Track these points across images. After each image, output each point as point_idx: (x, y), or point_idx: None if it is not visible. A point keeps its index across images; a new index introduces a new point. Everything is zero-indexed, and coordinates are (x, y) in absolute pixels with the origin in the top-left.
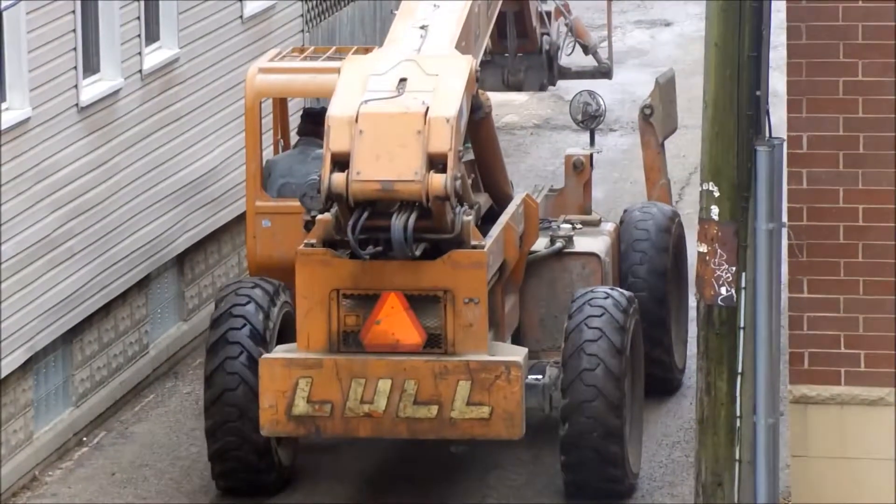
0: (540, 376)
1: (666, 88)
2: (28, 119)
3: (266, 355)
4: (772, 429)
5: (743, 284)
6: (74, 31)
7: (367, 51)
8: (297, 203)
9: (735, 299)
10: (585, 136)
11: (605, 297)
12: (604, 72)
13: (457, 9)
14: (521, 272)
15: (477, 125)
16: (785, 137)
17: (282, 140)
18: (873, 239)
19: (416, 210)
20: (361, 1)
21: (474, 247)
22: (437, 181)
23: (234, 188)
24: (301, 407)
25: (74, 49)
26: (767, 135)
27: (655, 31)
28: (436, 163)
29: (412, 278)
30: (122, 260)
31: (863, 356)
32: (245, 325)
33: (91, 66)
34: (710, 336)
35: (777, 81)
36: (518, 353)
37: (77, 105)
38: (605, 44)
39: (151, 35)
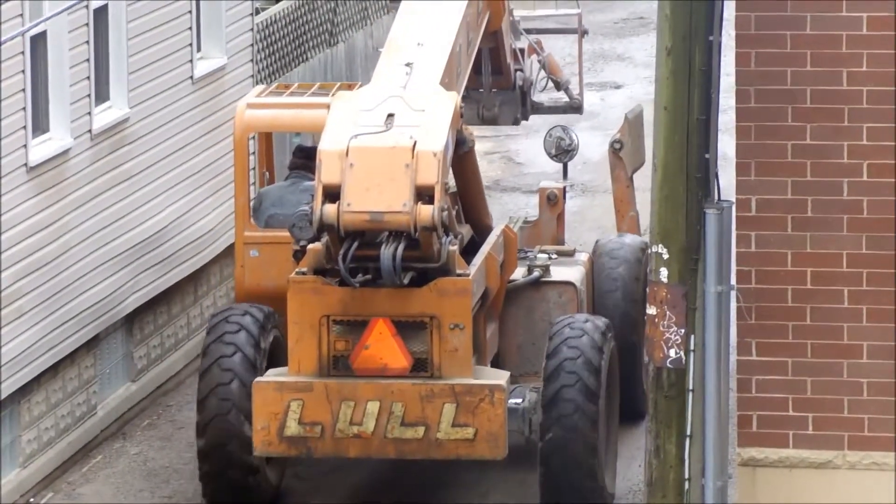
0: (520, 400)
1: (634, 124)
2: None
3: (259, 379)
4: (721, 491)
5: (692, 347)
6: (24, 90)
7: (350, 86)
8: (285, 233)
9: (684, 362)
10: (534, 199)
11: (585, 322)
12: (575, 107)
13: (440, 47)
14: (500, 300)
15: (461, 158)
16: (734, 200)
17: (267, 172)
18: (821, 302)
19: (405, 240)
20: (312, 62)
21: (459, 275)
22: (425, 212)
23: (184, 248)
24: (293, 428)
25: (24, 108)
26: (716, 198)
27: (606, 93)
28: (423, 194)
29: (400, 305)
30: (71, 320)
31: (811, 419)
32: (236, 352)
33: (40, 125)
34: (660, 398)
35: (726, 145)
36: (501, 377)
37: (26, 165)
38: (577, 80)
39: (101, 95)
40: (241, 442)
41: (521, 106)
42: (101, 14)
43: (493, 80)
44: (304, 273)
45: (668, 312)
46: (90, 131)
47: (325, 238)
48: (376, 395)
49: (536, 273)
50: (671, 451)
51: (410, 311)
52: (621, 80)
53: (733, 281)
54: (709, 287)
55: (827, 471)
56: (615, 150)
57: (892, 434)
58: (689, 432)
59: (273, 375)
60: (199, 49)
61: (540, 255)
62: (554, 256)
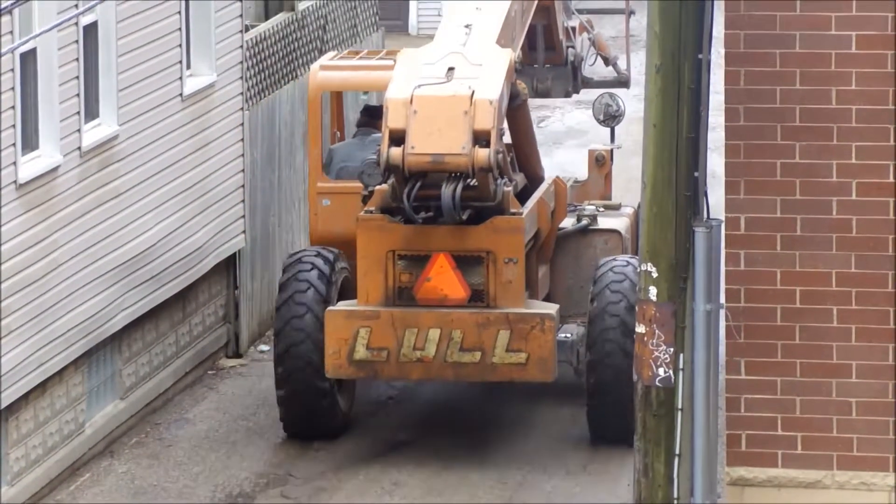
0: (569, 334)
1: None
2: None
3: (331, 308)
4: None
5: (681, 365)
6: (13, 107)
7: None
8: (354, 184)
9: (673, 380)
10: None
11: (626, 265)
12: (622, 81)
13: (497, 11)
14: (551, 245)
15: (514, 111)
16: (723, 218)
17: (337, 131)
18: (810, 321)
19: (463, 180)
20: (301, 80)
21: (513, 214)
22: (482, 154)
23: (173, 265)
24: (361, 353)
25: (13, 125)
26: (705, 216)
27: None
28: (480, 139)
29: (459, 241)
30: (60, 337)
31: (800, 438)
32: (309, 287)
33: (30, 142)
34: (648, 417)
35: (715, 163)
36: (551, 308)
37: (16, 182)
38: (624, 56)
39: (91, 112)
40: (313, 368)
41: (572, 80)
42: (90, 31)
43: (546, 56)
44: (371, 212)
45: (656, 331)
46: (79, 148)
47: (390, 180)
48: (437, 323)
49: (585, 221)
50: (660, 469)
51: (468, 247)
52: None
53: (722, 299)
54: (698, 305)
55: (816, 490)
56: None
57: (881, 454)
58: (677, 451)
59: (343, 305)
60: (188, 66)
61: (588, 207)
62: (601, 209)
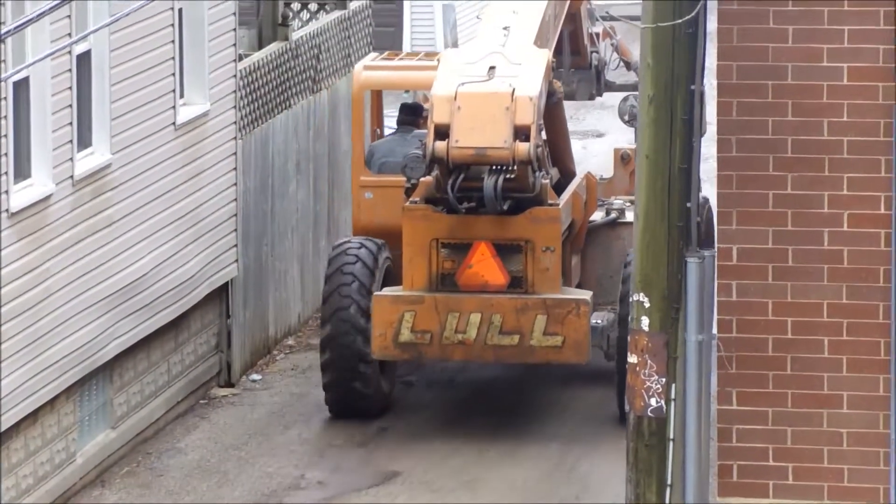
0: (600, 320)
1: None
2: None
3: (377, 293)
4: None
5: (673, 396)
6: (6, 136)
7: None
8: (395, 178)
9: (665, 410)
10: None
11: None
12: None
13: (533, 15)
14: (583, 235)
15: (550, 109)
16: (715, 249)
17: (378, 129)
18: (802, 352)
19: (504, 172)
20: (295, 109)
21: (551, 205)
22: (522, 148)
23: (165, 294)
24: (406, 335)
25: (5, 154)
26: (698, 246)
27: (588, 141)
28: (520, 133)
29: (499, 230)
30: (52, 366)
31: (791, 469)
32: (353, 280)
33: (22, 171)
34: (640, 447)
35: (708, 193)
36: (586, 294)
37: (8, 210)
38: None
39: (84, 141)
40: (358, 356)
41: (595, 83)
42: (83, 60)
43: (572, 61)
44: (416, 203)
45: (649, 361)
46: (72, 177)
47: (434, 172)
48: (478, 308)
49: (613, 215)
50: (651, 500)
51: (508, 235)
52: (604, 129)
53: (714, 330)
54: (690, 336)
55: None
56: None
57: (872, 485)
58: (669, 481)
59: (389, 291)
60: (181, 95)
61: (616, 201)
62: (628, 204)
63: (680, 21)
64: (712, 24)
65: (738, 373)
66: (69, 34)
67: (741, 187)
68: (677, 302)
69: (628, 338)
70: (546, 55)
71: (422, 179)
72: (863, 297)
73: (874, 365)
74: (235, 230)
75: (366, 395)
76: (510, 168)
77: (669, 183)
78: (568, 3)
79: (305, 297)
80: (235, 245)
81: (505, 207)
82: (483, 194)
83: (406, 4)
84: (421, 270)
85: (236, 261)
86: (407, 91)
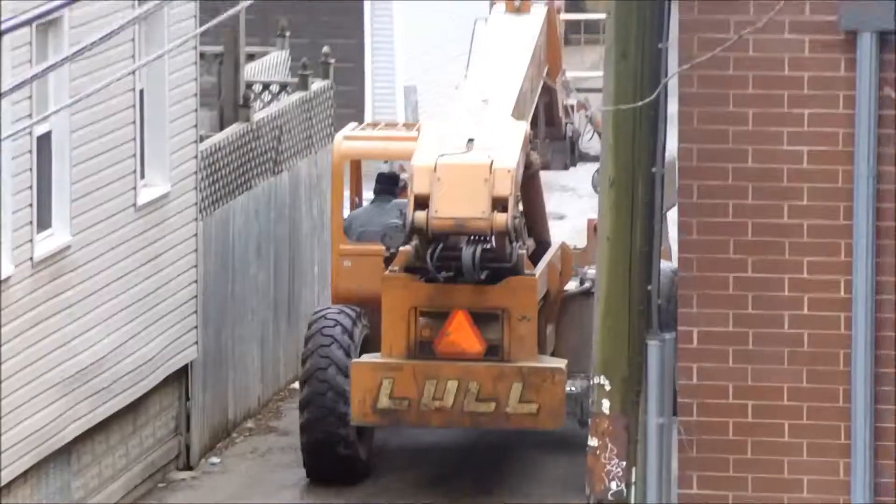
0: (574, 388)
1: (667, 169)
2: None
3: (356, 360)
4: None
5: (633, 479)
6: None
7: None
8: (373, 246)
9: (625, 494)
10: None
11: None
12: None
13: (511, 86)
14: (557, 305)
15: (527, 180)
16: (675, 332)
17: (357, 198)
18: (762, 436)
19: (482, 242)
20: (256, 190)
21: (527, 275)
22: (501, 219)
23: (124, 376)
24: (384, 402)
25: None
26: (658, 329)
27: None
28: (498, 205)
29: (476, 299)
30: (9, 449)
31: None
32: (332, 342)
33: None
34: None
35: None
36: (561, 363)
37: None
38: None
39: (43, 222)
40: (336, 417)
41: (570, 154)
42: (44, 141)
43: (547, 131)
44: (395, 271)
45: (609, 444)
46: (31, 259)
47: (414, 241)
48: (455, 375)
49: (587, 284)
50: None
51: (485, 304)
52: (565, 211)
53: (675, 413)
54: (651, 419)
55: None
56: None
57: None
58: None
59: (368, 358)
60: (142, 176)
61: (590, 271)
62: None
63: (641, 103)
64: (673, 107)
65: (699, 456)
66: (30, 115)
67: (701, 270)
68: (638, 385)
69: (588, 421)
70: (524, 127)
71: (401, 248)
72: (823, 380)
73: (835, 449)
74: (195, 312)
75: (344, 456)
76: (488, 238)
77: (631, 266)
78: (544, 75)
79: (265, 379)
80: (195, 327)
81: (483, 277)
82: (461, 264)
83: (368, 85)
84: (400, 338)
85: (196, 343)
86: (386, 161)
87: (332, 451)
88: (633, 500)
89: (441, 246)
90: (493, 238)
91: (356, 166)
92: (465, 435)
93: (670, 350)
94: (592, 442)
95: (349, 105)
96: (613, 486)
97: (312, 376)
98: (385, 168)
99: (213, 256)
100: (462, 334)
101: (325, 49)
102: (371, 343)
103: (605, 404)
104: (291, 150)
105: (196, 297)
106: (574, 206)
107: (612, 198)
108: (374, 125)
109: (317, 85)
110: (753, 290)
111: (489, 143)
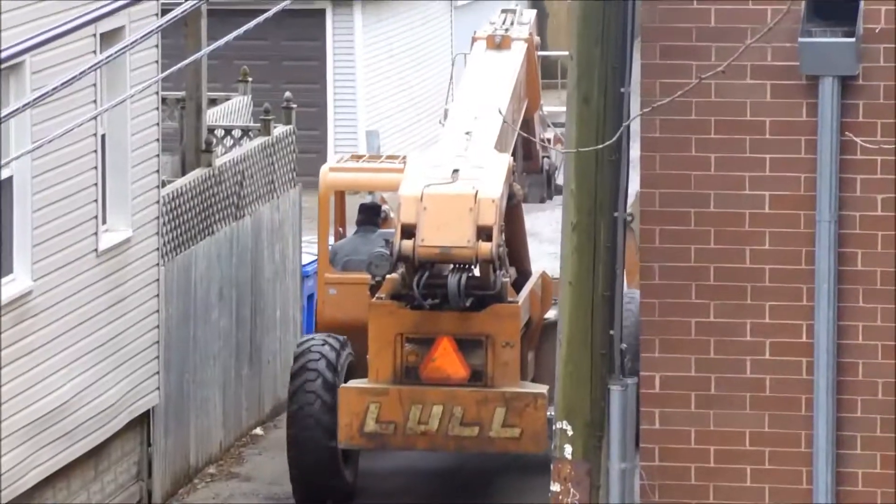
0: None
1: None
2: None
3: (344, 385)
4: None
5: None
6: None
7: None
8: (358, 275)
9: None
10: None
11: None
12: None
13: (493, 120)
14: (538, 331)
15: (510, 210)
16: (638, 377)
17: (340, 229)
18: (724, 481)
19: (467, 270)
20: (218, 235)
21: (510, 302)
22: (485, 248)
23: (85, 422)
24: (371, 426)
25: None
26: (621, 374)
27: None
28: (483, 233)
29: (461, 325)
30: None
31: None
32: (318, 377)
33: None
34: None
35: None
36: (543, 388)
37: None
38: None
39: (5, 268)
40: (321, 449)
41: (546, 187)
42: (5, 186)
43: (524, 164)
44: (382, 299)
45: (571, 489)
46: None
47: (400, 269)
48: (440, 400)
49: None
50: None
51: (470, 331)
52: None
53: (637, 458)
54: (613, 464)
55: None
56: (627, 222)
57: None
58: None
59: (355, 383)
60: (104, 221)
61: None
62: None
63: (602, 146)
64: (635, 152)
65: (661, 501)
66: None
67: (664, 315)
68: (600, 430)
69: (551, 466)
70: (507, 159)
71: (387, 277)
72: (784, 425)
73: (796, 494)
74: (157, 357)
75: (331, 486)
76: (473, 266)
77: (593, 310)
78: (523, 111)
79: (227, 424)
80: (157, 372)
81: (468, 304)
82: (447, 291)
83: (330, 130)
84: (386, 363)
85: (158, 388)
86: (372, 192)
87: (319, 481)
88: None
89: (427, 274)
90: (478, 266)
91: (340, 198)
92: (450, 459)
93: (632, 395)
94: (554, 487)
95: (311, 150)
96: None
97: (298, 411)
98: (368, 199)
99: (175, 301)
100: (447, 360)
101: (287, 94)
102: (356, 369)
103: (568, 449)
104: (254, 195)
105: (158, 342)
106: (536, 249)
107: (574, 242)
108: (358, 157)
109: (279, 130)
110: (716, 335)
111: (474, 174)
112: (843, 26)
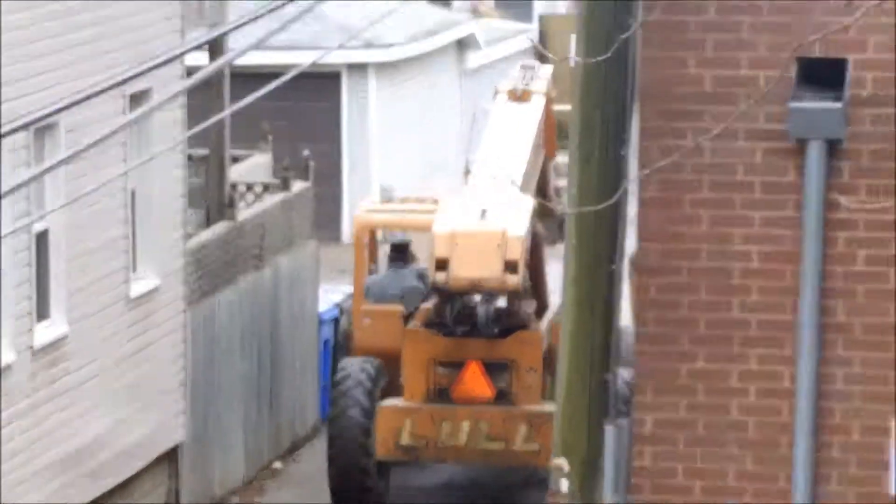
0: None
1: None
2: None
3: (382, 403)
4: None
5: None
6: None
7: (437, 201)
8: (391, 307)
9: None
10: None
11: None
12: None
13: (517, 166)
14: (556, 357)
15: (534, 247)
16: (631, 418)
17: (373, 265)
18: None
19: (495, 300)
20: (240, 285)
21: (534, 330)
22: (513, 280)
23: (117, 457)
24: (406, 440)
25: None
26: (615, 415)
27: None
28: (510, 267)
29: (488, 351)
30: None
31: None
32: (356, 404)
33: None
34: None
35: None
36: None
37: None
38: None
39: (42, 313)
40: (359, 468)
41: (558, 231)
42: (42, 237)
43: (539, 209)
44: (416, 327)
45: None
46: (31, 347)
47: (432, 300)
48: (469, 417)
49: None
50: None
51: (496, 356)
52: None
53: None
54: (606, 498)
55: None
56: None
57: None
58: None
59: (391, 401)
60: (134, 270)
61: None
62: None
63: (602, 206)
64: (633, 209)
65: None
66: (28, 213)
67: (656, 362)
68: (595, 466)
69: (547, 500)
70: (531, 201)
71: (421, 306)
72: (767, 464)
73: None
74: (184, 397)
75: (366, 499)
76: (501, 297)
77: (591, 357)
78: (541, 158)
79: (249, 459)
80: (184, 411)
81: (495, 331)
82: (477, 320)
83: (344, 186)
84: (420, 385)
85: (184, 426)
86: (402, 232)
87: (356, 495)
88: None
89: (458, 304)
90: (506, 296)
91: (372, 237)
92: (474, 473)
93: (626, 434)
94: None
95: (328, 204)
96: None
97: (338, 436)
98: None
99: (200, 346)
100: (475, 382)
101: (306, 152)
102: (389, 388)
103: (564, 484)
104: (274, 247)
105: (185, 383)
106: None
107: (573, 294)
108: (388, 201)
109: (297, 186)
110: (704, 380)
111: (501, 214)
112: (832, 91)
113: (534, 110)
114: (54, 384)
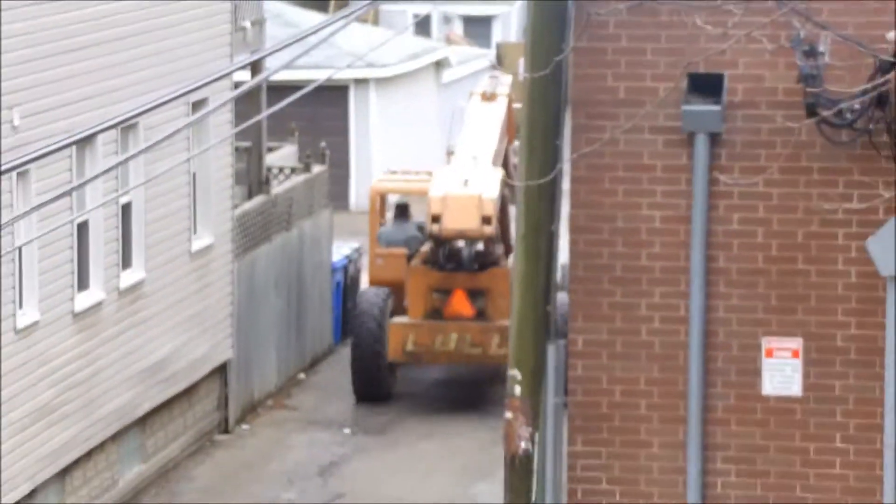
0: None
1: None
2: (36, 322)
3: (392, 320)
4: None
5: (536, 440)
6: (73, 259)
7: (430, 174)
8: (397, 250)
9: (531, 451)
10: None
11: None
12: None
13: (490, 148)
14: None
15: (502, 206)
16: (566, 339)
17: (382, 221)
18: (626, 411)
19: (476, 244)
20: (274, 242)
21: (503, 267)
22: (488, 230)
23: (182, 369)
24: (410, 347)
25: (72, 273)
26: (555, 337)
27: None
28: (486, 221)
29: (470, 281)
30: (100, 421)
31: (619, 491)
32: (372, 319)
33: (84, 283)
34: (513, 477)
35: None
36: None
37: (73, 312)
38: None
39: (127, 262)
40: (374, 358)
41: (515, 197)
42: (127, 208)
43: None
44: (417, 265)
45: (520, 416)
46: (118, 288)
47: (429, 244)
48: (456, 330)
49: None
50: None
51: (476, 285)
52: None
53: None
54: (548, 399)
55: None
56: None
57: None
58: (534, 500)
59: (399, 318)
60: (195, 231)
61: None
62: None
63: (543, 181)
64: (566, 185)
65: (582, 424)
66: (116, 189)
67: (585, 296)
68: (540, 375)
69: (505, 400)
70: (501, 173)
71: (420, 250)
72: (668, 372)
73: (675, 419)
74: (231, 326)
75: (380, 384)
76: (480, 242)
77: (535, 294)
78: (506, 142)
79: (279, 373)
80: (231, 336)
81: (476, 267)
82: (462, 259)
83: (352, 169)
84: (420, 307)
85: (232, 347)
86: (406, 195)
87: (372, 381)
88: (535, 455)
89: (448, 247)
90: (483, 242)
91: (382, 201)
92: (461, 371)
93: (563, 351)
94: (508, 415)
95: (339, 182)
96: (523, 444)
97: (360, 331)
98: (396, 200)
99: (244, 288)
100: (461, 304)
101: (322, 144)
102: (395, 309)
103: (517, 389)
104: (299, 215)
105: (232, 315)
106: None
107: (522, 247)
108: (394, 172)
109: (316, 169)
110: (621, 310)
111: (479, 182)
112: (713, 97)
113: (499, 108)
114: (136, 315)
